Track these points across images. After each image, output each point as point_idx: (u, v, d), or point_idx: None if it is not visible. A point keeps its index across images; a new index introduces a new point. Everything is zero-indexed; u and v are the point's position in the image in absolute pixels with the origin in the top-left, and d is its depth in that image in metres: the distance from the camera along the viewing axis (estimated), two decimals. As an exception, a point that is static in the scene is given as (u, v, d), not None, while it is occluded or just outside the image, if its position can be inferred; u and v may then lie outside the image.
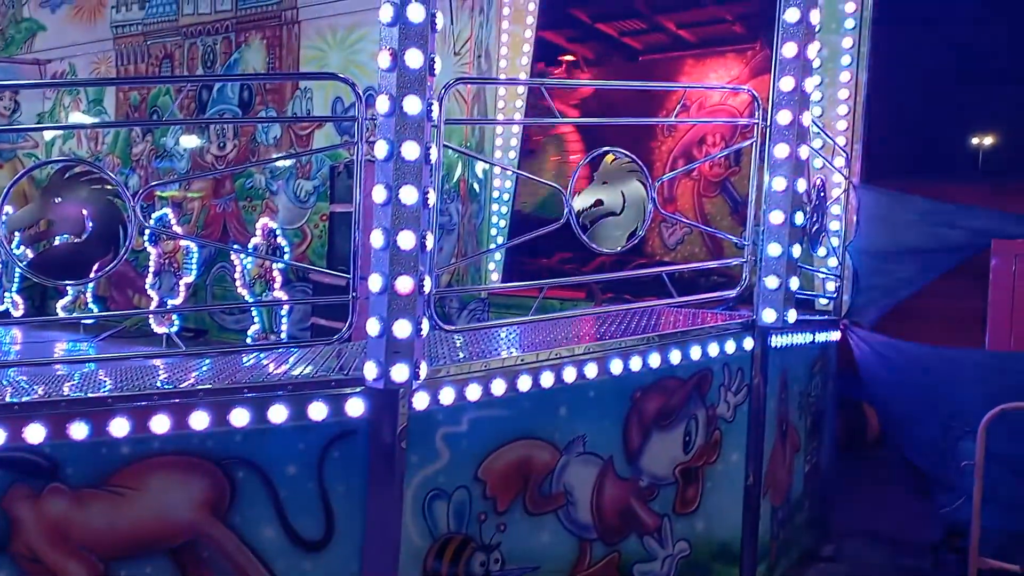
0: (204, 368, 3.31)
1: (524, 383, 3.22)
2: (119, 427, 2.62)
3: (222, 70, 8.62)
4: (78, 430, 2.58)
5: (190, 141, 8.96)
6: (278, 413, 2.80)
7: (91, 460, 2.63)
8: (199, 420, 2.70)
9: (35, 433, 2.54)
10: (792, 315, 3.95)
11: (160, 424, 2.66)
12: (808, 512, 4.68)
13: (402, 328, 2.90)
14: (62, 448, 2.60)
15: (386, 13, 2.83)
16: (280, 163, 8.09)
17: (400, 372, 2.90)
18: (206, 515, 2.73)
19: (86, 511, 2.63)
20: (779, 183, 3.89)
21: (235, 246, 7.46)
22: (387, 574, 2.87)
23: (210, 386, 2.83)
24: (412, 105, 2.84)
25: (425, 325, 3.00)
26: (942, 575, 4.46)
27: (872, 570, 4.64)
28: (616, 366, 3.46)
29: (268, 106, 8.37)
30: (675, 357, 3.64)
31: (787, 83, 3.85)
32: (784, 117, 3.86)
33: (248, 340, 6.63)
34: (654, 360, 3.58)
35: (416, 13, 2.80)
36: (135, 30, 9.48)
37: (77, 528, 2.63)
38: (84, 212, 2.95)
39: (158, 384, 2.89)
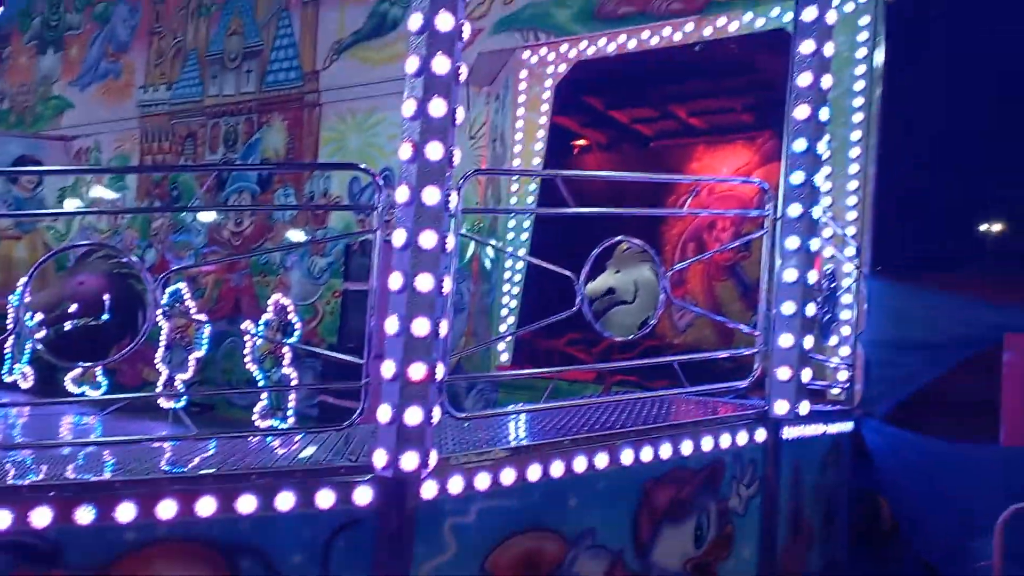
0: (211, 450, 3.29)
1: (534, 472, 3.19)
2: (125, 512, 2.59)
3: (243, 149, 8.85)
4: (84, 515, 2.55)
5: (207, 216, 9.13)
6: (286, 500, 2.77)
7: (95, 546, 2.59)
8: (206, 506, 2.67)
9: (41, 517, 2.52)
10: (804, 407, 3.92)
11: (166, 510, 2.63)
12: (822, 610, 4.54)
13: (413, 415, 2.90)
14: (67, 533, 2.56)
15: (409, 107, 2.92)
16: (295, 239, 8.21)
17: (410, 460, 2.88)
18: (208, 605, 2.67)
19: (87, 599, 2.59)
20: (790, 274, 3.92)
21: (245, 324, 7.50)
22: (389, 672, 2.79)
23: (218, 471, 2.82)
24: (431, 196, 2.90)
25: (437, 412, 2.99)
26: None
27: (889, 674, 4.47)
28: (627, 456, 3.43)
29: (287, 184, 8.55)
30: (687, 448, 3.61)
31: (797, 177, 3.93)
32: (794, 210, 3.92)
33: (255, 415, 6.59)
34: (665, 451, 3.54)
35: (438, 108, 2.89)
36: (161, 109, 9.78)
37: (76, 616, 2.58)
38: (104, 295, 3.00)
39: (165, 467, 2.88)
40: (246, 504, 2.72)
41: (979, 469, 4.50)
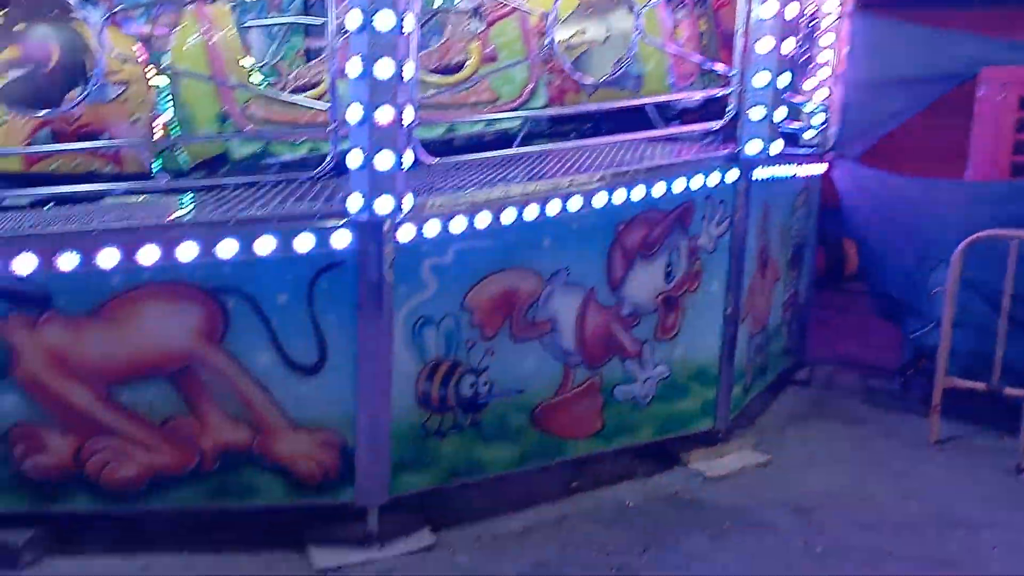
0: (187, 202, 3.32)
1: (508, 216, 3.25)
2: (108, 258, 2.66)
3: None
4: (68, 261, 2.62)
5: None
6: (265, 244, 2.84)
7: (83, 290, 2.69)
8: (187, 251, 2.74)
9: (25, 264, 2.58)
10: (776, 147, 3.93)
11: (148, 255, 2.70)
12: (785, 340, 4.86)
13: (384, 160, 2.90)
14: (54, 278, 2.65)
15: None
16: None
17: (384, 204, 2.92)
18: (201, 341, 2.83)
19: (84, 338, 2.73)
20: (768, 8, 3.76)
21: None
22: (380, 395, 3.02)
23: (196, 219, 2.86)
24: (385, -79, 2.70)
25: (408, 157, 2.99)
26: (909, 395, 4.71)
27: (842, 392, 4.88)
28: (600, 199, 3.48)
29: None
30: (658, 190, 3.66)
31: (781, -98, 3.65)
32: (777, -63, 3.68)
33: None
34: (637, 193, 3.59)
35: None
36: None
37: (76, 354, 2.74)
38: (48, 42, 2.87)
39: (143, 217, 2.91)
40: (226, 248, 2.79)
41: (944, 204, 4.64)
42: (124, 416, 2.85)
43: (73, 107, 3.06)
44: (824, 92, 5.05)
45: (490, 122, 4.23)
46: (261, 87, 3.85)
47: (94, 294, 2.70)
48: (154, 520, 3.10)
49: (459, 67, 4.29)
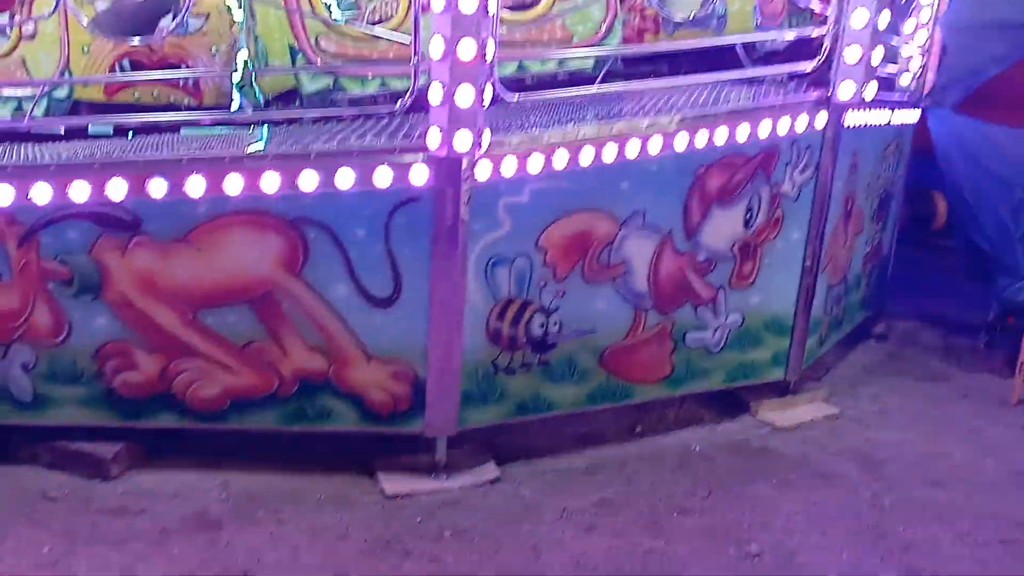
0: (268, 134, 3.37)
1: (586, 157, 3.21)
2: (195, 187, 2.73)
3: None
4: (157, 188, 2.70)
5: None
6: (345, 178, 2.87)
7: (171, 216, 2.78)
8: (270, 182, 2.79)
9: (117, 190, 2.67)
10: (871, 90, 3.75)
11: (233, 185, 2.76)
12: (864, 292, 4.72)
13: (464, 96, 2.87)
14: (143, 205, 2.74)
15: None
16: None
17: (463, 141, 2.90)
18: (281, 270, 2.91)
19: (170, 262, 2.83)
20: (871, -59, 3.54)
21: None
22: (452, 331, 3.06)
23: (277, 150, 2.90)
24: None
25: (488, 93, 2.95)
26: (992, 354, 4.54)
27: (920, 348, 4.73)
28: (681, 142, 3.39)
29: None
30: (742, 134, 3.54)
31: None
32: None
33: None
34: (720, 136, 3.49)
35: None
36: None
37: (163, 277, 2.85)
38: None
39: (226, 148, 2.97)
40: (308, 181, 2.83)
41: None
42: (208, 339, 2.97)
43: (163, 38, 3.12)
44: (924, 34, 4.77)
45: (561, 61, 4.16)
46: (341, 21, 3.83)
47: (181, 221, 2.79)
48: (234, 439, 3.24)
49: (531, 4, 4.20)
